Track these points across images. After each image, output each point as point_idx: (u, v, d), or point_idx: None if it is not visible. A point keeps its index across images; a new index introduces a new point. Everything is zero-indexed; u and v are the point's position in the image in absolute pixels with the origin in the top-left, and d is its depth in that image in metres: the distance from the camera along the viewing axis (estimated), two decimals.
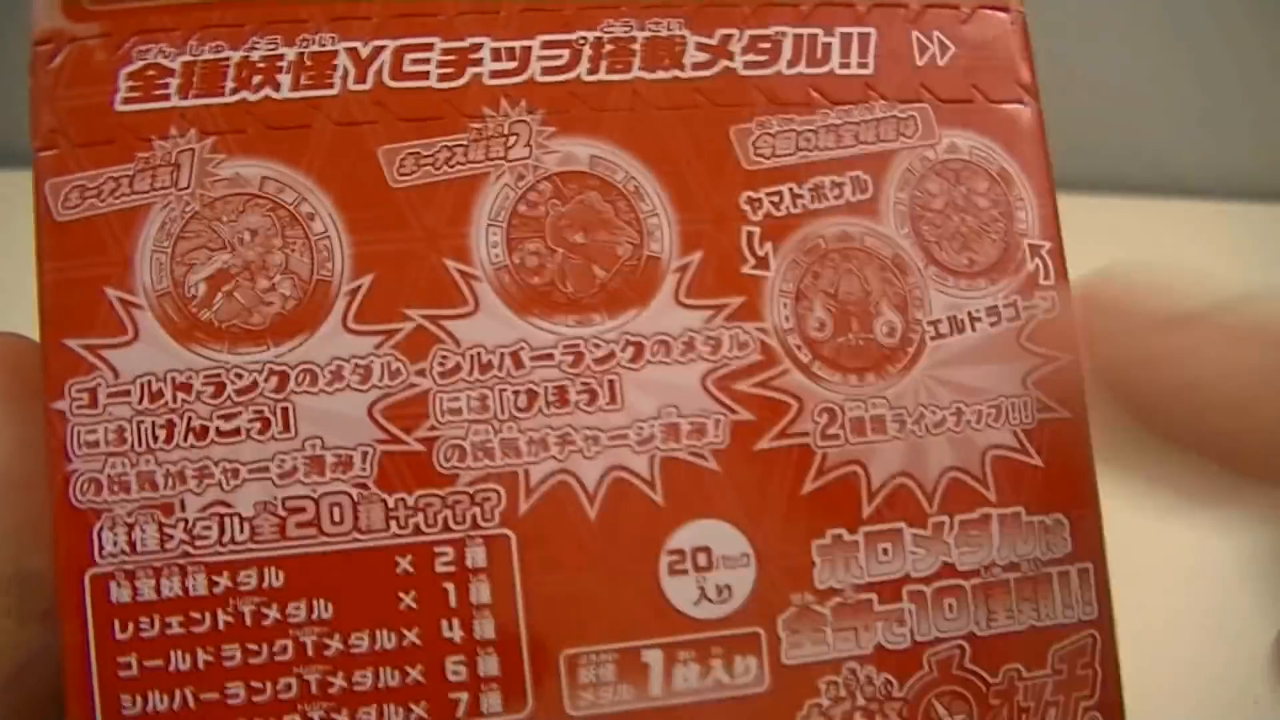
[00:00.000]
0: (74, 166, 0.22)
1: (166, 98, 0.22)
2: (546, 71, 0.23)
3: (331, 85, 0.22)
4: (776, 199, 0.23)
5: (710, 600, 0.23)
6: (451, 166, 0.23)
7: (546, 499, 0.22)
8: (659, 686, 0.22)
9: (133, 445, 0.21)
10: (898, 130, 0.24)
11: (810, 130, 0.24)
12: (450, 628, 0.21)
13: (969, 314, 0.24)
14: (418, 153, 0.22)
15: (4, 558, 0.22)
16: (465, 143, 0.23)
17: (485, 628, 0.22)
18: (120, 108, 0.22)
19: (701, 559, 0.23)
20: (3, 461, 0.22)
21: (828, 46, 0.24)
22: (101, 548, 0.21)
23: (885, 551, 0.23)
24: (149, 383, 0.21)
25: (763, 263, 0.23)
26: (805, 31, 0.24)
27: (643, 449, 0.22)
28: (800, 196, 0.24)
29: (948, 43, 0.24)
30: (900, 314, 0.24)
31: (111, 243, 0.22)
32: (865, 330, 0.23)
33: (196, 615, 0.21)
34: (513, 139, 0.23)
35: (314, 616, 0.21)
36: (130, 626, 0.21)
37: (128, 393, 0.21)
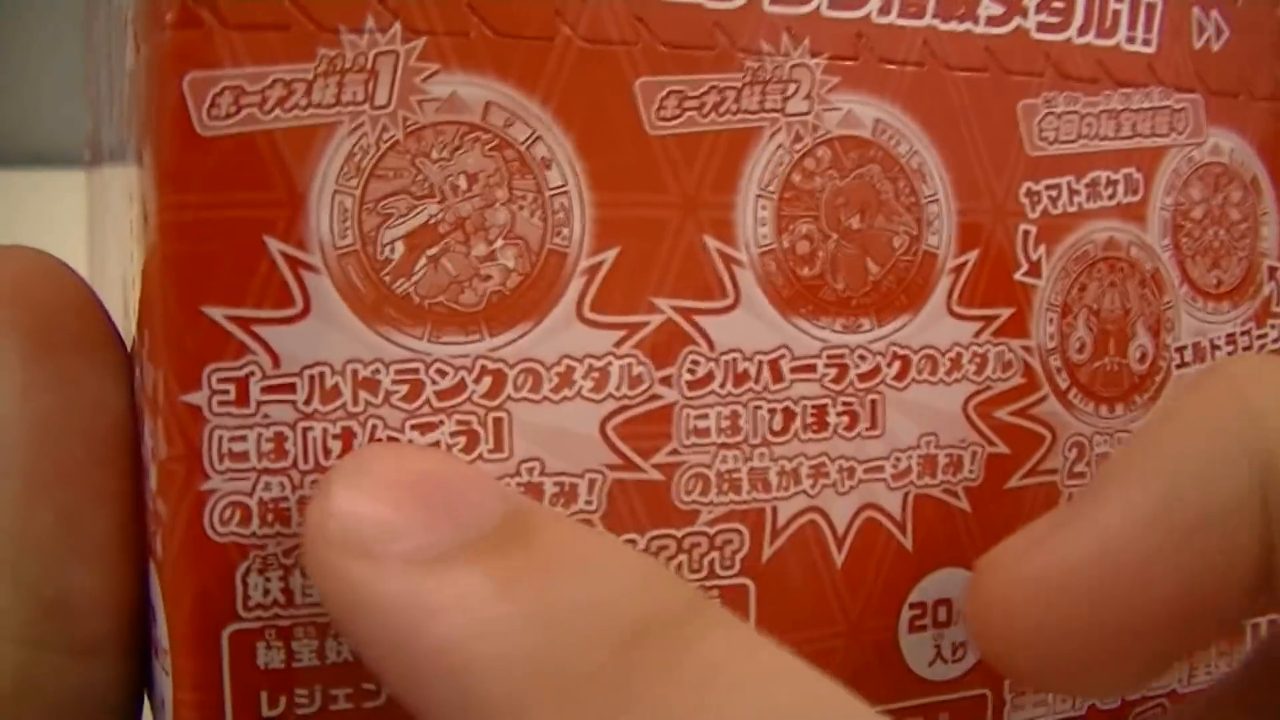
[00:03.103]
0: (227, 57, 0.13)
1: None
2: (835, 4, 0.16)
3: None
4: (1055, 194, 0.18)
5: (944, 660, 0.17)
6: (720, 114, 0.15)
7: (793, 542, 0.16)
8: None
9: (296, 461, 0.13)
10: (1170, 123, 0.19)
11: (1093, 114, 0.18)
12: None
13: (1210, 341, 0.19)
14: (682, 92, 0.15)
15: (40, 574, 0.14)
16: (738, 85, 0.15)
17: None
18: None
19: (942, 613, 0.17)
20: (32, 439, 0.14)
21: (1117, 14, 0.18)
22: (247, 597, 0.13)
23: None
24: (321, 375, 0.14)
25: (1035, 269, 0.17)
26: None
27: (898, 484, 0.17)
28: (1077, 193, 0.18)
29: (1224, 25, 0.19)
30: (1153, 337, 0.18)
31: (277, 174, 0.14)
32: (1120, 354, 0.18)
33: (370, 687, 0.14)
34: (792, 87, 0.16)
35: None
36: (283, 701, 0.14)
37: (292, 387, 0.13)
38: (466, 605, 0.11)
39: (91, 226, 0.23)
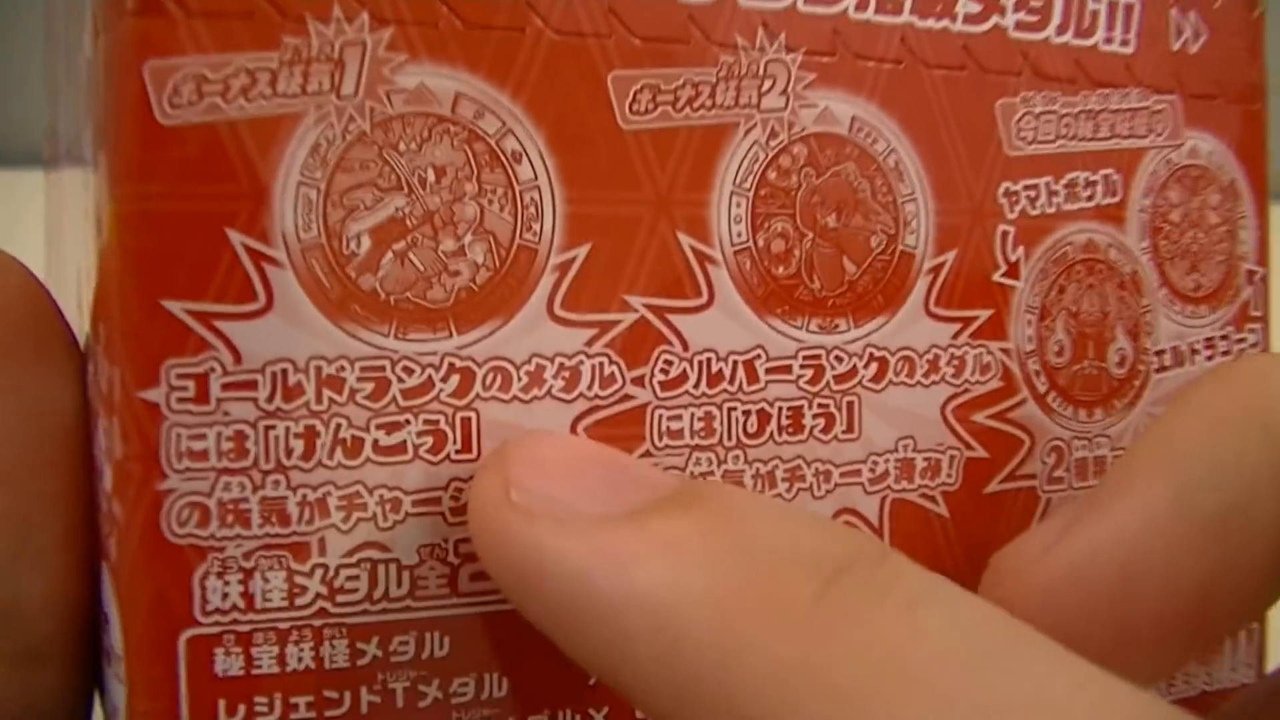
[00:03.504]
0: (190, 44, 0.13)
1: None
2: None
3: None
4: (1033, 195, 0.17)
5: None
6: (695, 110, 0.15)
7: None
8: None
9: (257, 460, 0.13)
10: (1149, 125, 0.18)
11: (1070, 114, 0.18)
12: None
13: (1189, 345, 0.19)
14: (656, 86, 0.15)
15: None
16: (713, 80, 0.15)
17: None
18: None
19: None
20: None
21: (1095, 15, 0.18)
22: (205, 601, 0.13)
23: None
24: (284, 372, 0.13)
25: (1013, 270, 0.17)
26: None
27: (875, 489, 0.16)
28: (1055, 194, 0.18)
29: (1202, 27, 0.19)
30: (1132, 341, 0.18)
31: (240, 165, 0.13)
32: (1099, 358, 0.18)
33: (333, 695, 0.14)
34: (767, 83, 0.15)
35: (485, 696, 0.14)
36: (242, 709, 0.13)
37: (253, 384, 0.13)
38: (667, 550, 0.11)
39: (48, 224, 0.23)
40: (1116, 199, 0.17)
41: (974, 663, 0.10)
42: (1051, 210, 0.17)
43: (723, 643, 0.10)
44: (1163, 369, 0.18)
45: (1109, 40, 0.17)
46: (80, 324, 0.15)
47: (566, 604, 0.11)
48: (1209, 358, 0.18)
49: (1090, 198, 0.17)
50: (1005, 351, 0.16)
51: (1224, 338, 0.18)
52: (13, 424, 0.14)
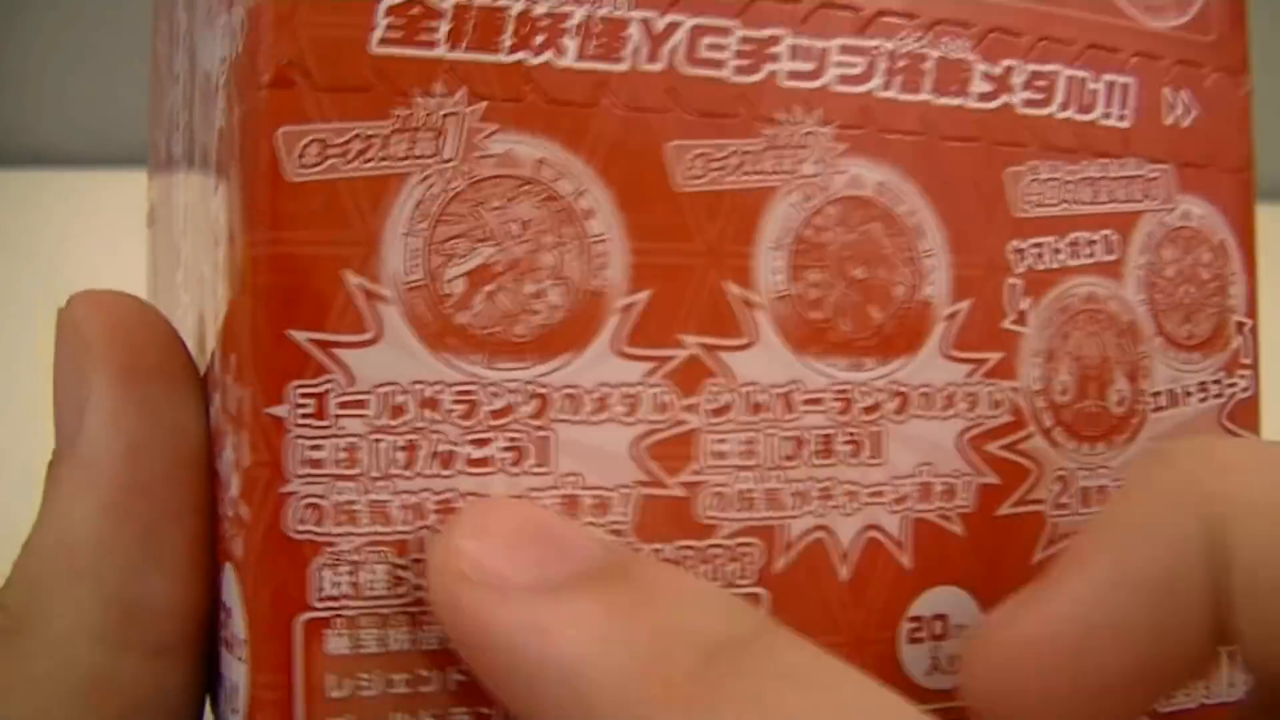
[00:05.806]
0: (315, 113, 0.15)
1: (433, 44, 0.16)
2: (843, 80, 0.18)
3: (621, 59, 0.17)
4: (1039, 251, 0.19)
5: (941, 670, 0.19)
6: (741, 175, 0.17)
7: (803, 557, 0.18)
8: None
9: (366, 469, 0.15)
10: (1144, 190, 0.20)
11: (1072, 181, 0.20)
12: None
13: (1184, 388, 0.21)
14: (708, 154, 0.17)
15: (120, 580, 0.15)
16: (756, 149, 0.17)
17: None
18: (377, 49, 0.16)
19: (938, 627, 0.19)
20: (119, 458, 0.16)
21: (1094, 93, 0.20)
22: (320, 589, 0.15)
23: None
24: (390, 394, 0.16)
25: (1021, 318, 0.19)
26: (1077, 74, 0.20)
27: (897, 508, 0.18)
28: (1059, 251, 0.20)
29: (1192, 104, 0.21)
30: (1130, 383, 0.20)
31: (355, 216, 0.15)
32: (1100, 398, 0.20)
33: (425, 673, 0.16)
34: (804, 152, 0.18)
35: None
36: (348, 684, 0.15)
37: (364, 403, 0.15)
38: (580, 625, 0.13)
39: (154, 276, 0.25)
40: (1114, 257, 0.19)
41: None
42: (1056, 266, 0.19)
43: (622, 707, 0.13)
44: (1159, 409, 0.20)
45: (1107, 115, 0.19)
46: (202, 359, 0.17)
47: (501, 665, 0.14)
48: (1202, 400, 0.20)
49: (1091, 255, 0.19)
50: (1015, 390, 0.18)
51: (1216, 382, 0.20)
52: (150, 441, 0.16)
